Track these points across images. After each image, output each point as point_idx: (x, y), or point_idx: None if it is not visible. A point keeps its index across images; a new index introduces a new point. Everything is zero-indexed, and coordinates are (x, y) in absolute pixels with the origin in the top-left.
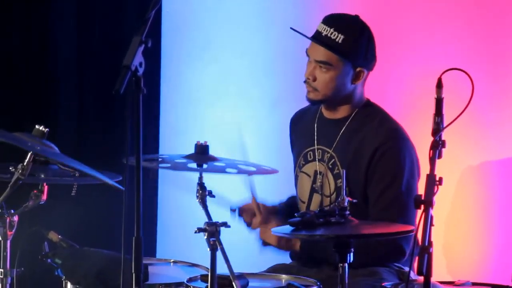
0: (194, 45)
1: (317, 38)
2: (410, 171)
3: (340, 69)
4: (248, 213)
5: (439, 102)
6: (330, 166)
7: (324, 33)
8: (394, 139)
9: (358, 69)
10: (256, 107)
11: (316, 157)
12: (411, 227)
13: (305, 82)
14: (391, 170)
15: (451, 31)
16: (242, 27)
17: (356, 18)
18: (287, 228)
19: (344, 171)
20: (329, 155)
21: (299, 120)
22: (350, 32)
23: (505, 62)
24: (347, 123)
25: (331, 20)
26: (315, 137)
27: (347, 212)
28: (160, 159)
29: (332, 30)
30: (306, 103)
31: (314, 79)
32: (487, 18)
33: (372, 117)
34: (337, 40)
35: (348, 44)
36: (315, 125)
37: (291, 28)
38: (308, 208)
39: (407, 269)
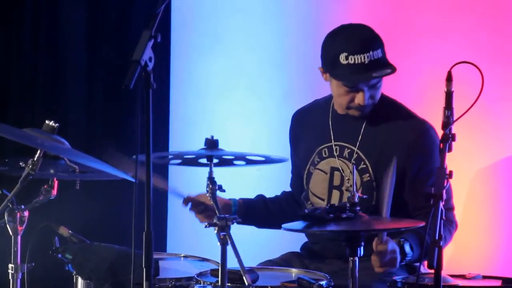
0: (203, 39)
1: (368, 68)
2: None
3: None
4: (198, 206)
5: (449, 96)
6: (354, 162)
7: (367, 60)
8: (428, 130)
9: None
10: (266, 101)
11: (334, 153)
12: (421, 222)
13: (350, 108)
14: (432, 159)
15: (462, 24)
16: (252, 21)
17: (360, 26)
18: (298, 224)
19: (354, 166)
20: (349, 150)
21: (305, 117)
22: (379, 42)
23: None
24: (367, 117)
25: (357, 45)
26: (332, 134)
27: (358, 208)
28: (171, 156)
29: (371, 52)
30: (315, 96)
31: (373, 99)
32: (498, 11)
33: (392, 109)
34: (380, 56)
35: (384, 52)
36: (330, 121)
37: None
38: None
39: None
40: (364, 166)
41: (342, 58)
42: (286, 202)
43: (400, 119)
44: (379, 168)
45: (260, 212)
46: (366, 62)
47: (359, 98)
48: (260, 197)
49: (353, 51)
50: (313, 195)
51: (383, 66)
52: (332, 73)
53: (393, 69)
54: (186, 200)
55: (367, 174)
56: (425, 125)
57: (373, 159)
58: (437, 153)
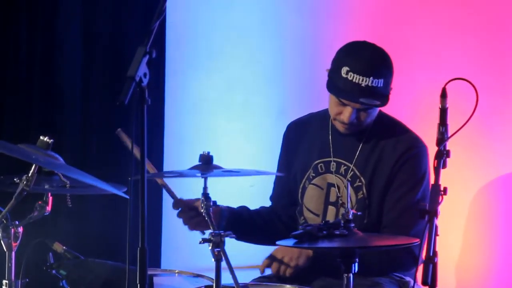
0: (198, 55)
1: (361, 92)
2: (427, 179)
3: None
4: (189, 212)
5: (443, 112)
6: (350, 179)
7: (364, 84)
8: (416, 148)
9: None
10: (261, 117)
11: (331, 169)
12: (417, 239)
13: (336, 120)
14: (412, 177)
15: (457, 40)
16: (247, 37)
17: (377, 50)
18: (290, 241)
19: (349, 183)
20: (345, 167)
21: (301, 130)
22: (385, 72)
23: (510, 71)
24: (365, 135)
25: (362, 66)
26: (331, 150)
27: (352, 225)
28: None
29: (371, 78)
30: (310, 112)
31: (359, 121)
32: (493, 28)
33: (390, 128)
34: (379, 86)
35: (388, 83)
36: (330, 137)
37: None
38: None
39: (408, 279)
40: (360, 183)
41: (344, 70)
42: (269, 217)
43: (396, 137)
44: (373, 186)
45: (246, 221)
46: (363, 85)
47: (344, 115)
48: (244, 208)
49: (355, 69)
50: (307, 210)
51: (376, 95)
52: (329, 80)
53: (382, 102)
54: (176, 204)
55: (361, 192)
56: (417, 142)
57: (368, 177)
58: (421, 176)
